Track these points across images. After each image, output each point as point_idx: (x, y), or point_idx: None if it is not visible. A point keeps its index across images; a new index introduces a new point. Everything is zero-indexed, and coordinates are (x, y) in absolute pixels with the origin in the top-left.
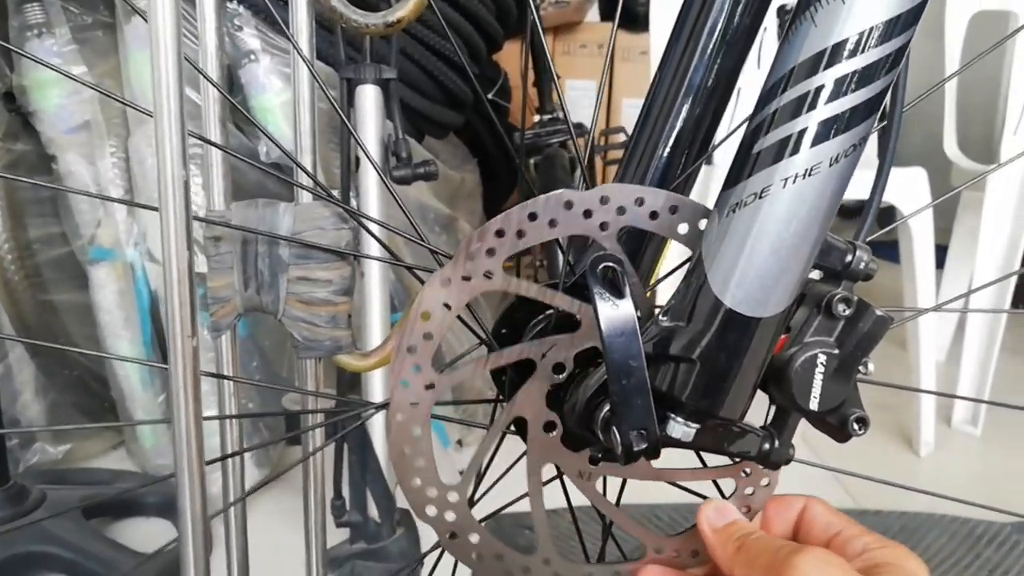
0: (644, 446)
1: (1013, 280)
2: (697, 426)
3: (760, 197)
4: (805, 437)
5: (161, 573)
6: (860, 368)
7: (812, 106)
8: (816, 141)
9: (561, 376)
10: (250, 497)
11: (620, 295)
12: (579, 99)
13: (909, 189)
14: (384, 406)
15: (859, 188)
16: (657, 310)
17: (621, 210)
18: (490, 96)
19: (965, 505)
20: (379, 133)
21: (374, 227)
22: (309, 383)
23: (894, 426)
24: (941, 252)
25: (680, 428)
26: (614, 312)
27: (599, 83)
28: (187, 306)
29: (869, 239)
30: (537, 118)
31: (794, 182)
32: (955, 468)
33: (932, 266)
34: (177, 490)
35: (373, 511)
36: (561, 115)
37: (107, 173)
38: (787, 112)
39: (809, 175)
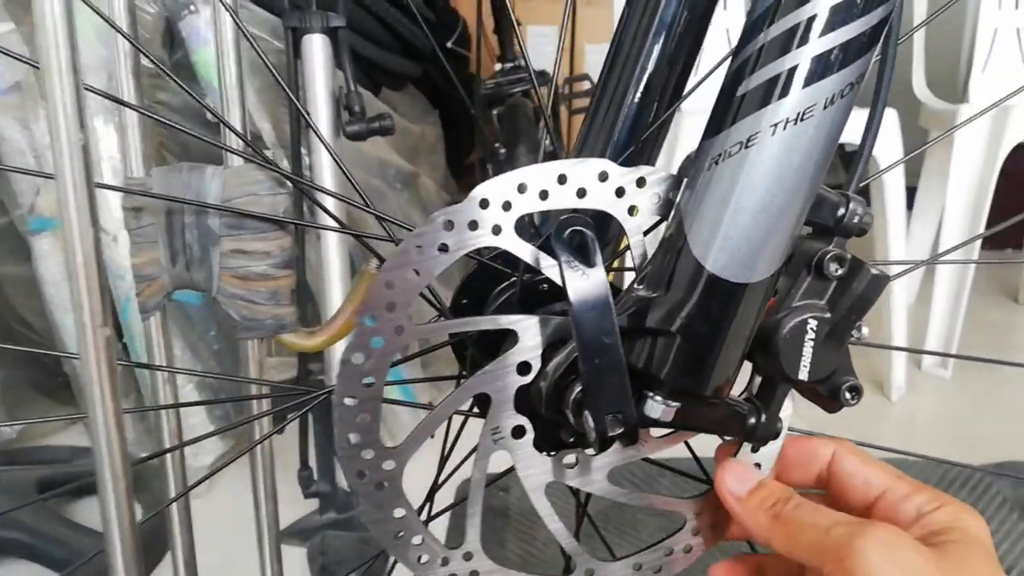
0: (620, 431)
1: (983, 220)
2: (677, 404)
3: (746, 146)
4: None
5: None
6: (853, 332)
7: (804, 40)
8: (809, 80)
9: (528, 376)
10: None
11: (590, 263)
12: (541, 45)
13: (882, 134)
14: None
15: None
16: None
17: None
18: (449, 44)
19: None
20: (329, 86)
21: (321, 194)
22: (252, 366)
23: (865, 370)
24: (910, 193)
25: (658, 407)
26: (584, 282)
27: (561, 28)
28: (96, 291)
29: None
30: (498, 66)
31: (784, 128)
32: (926, 411)
33: (903, 210)
34: (99, 495)
35: (342, 480)
36: (523, 63)
37: (44, 138)
38: (775, 47)
39: (801, 119)
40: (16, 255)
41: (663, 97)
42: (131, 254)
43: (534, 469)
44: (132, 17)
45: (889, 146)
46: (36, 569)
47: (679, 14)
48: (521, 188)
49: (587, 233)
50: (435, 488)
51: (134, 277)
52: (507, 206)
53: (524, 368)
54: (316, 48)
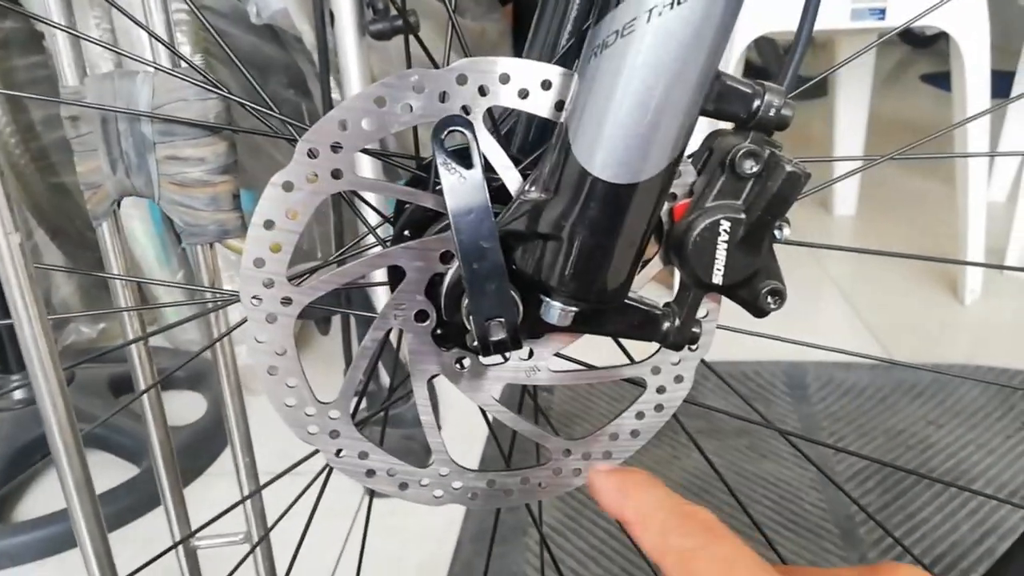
0: (502, 336)
1: None
2: (575, 308)
3: (623, 35)
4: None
5: (185, 445)
6: (775, 233)
7: None
8: None
9: (429, 321)
10: None
11: (468, 165)
12: None
13: (964, 12)
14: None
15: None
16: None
17: (483, 91)
18: None
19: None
20: None
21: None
22: (203, 271)
23: (938, 272)
24: (1007, 79)
25: (555, 312)
26: (461, 185)
27: None
28: (1, 200)
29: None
30: None
31: (660, 14)
32: (1001, 316)
33: (986, 94)
34: (35, 393)
35: (386, 379)
36: None
37: (95, 47)
38: None
39: (678, 3)
40: (3, 159)
41: None
42: (75, 162)
43: (425, 358)
44: None
45: (973, 28)
46: (109, 458)
47: None
48: (380, 101)
49: (466, 133)
50: (364, 391)
51: (81, 185)
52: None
53: (446, 257)
54: None
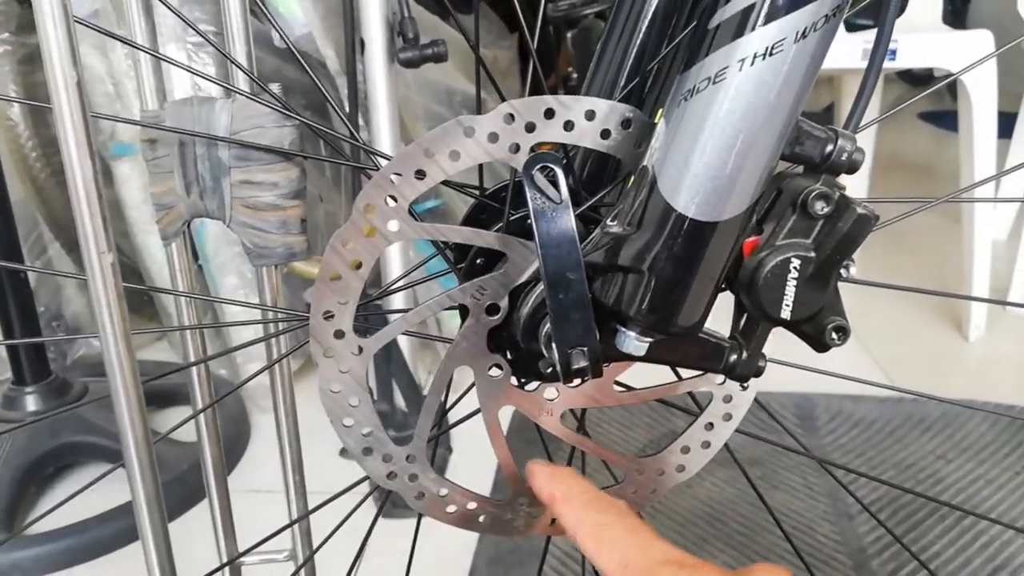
0: (583, 364)
1: None
2: (649, 340)
3: (714, 82)
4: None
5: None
6: (841, 272)
7: None
8: (778, 12)
9: (497, 317)
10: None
11: (558, 199)
12: None
13: (971, 55)
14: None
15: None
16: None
17: (569, 125)
18: None
19: (1012, 390)
20: (384, 12)
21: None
22: (267, 292)
23: (943, 308)
24: (1011, 120)
25: (631, 342)
26: (550, 219)
27: None
28: (98, 219)
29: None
30: None
31: (752, 64)
32: (1006, 353)
33: (993, 136)
34: (114, 408)
35: (400, 401)
36: None
37: (120, 65)
38: None
39: (770, 54)
40: (101, 179)
41: (675, 29)
42: (150, 183)
43: (466, 349)
44: None
45: (982, 70)
46: (119, 473)
47: None
48: (509, 119)
49: (556, 170)
50: (438, 431)
51: (154, 206)
52: (493, 137)
53: (492, 310)
54: None
